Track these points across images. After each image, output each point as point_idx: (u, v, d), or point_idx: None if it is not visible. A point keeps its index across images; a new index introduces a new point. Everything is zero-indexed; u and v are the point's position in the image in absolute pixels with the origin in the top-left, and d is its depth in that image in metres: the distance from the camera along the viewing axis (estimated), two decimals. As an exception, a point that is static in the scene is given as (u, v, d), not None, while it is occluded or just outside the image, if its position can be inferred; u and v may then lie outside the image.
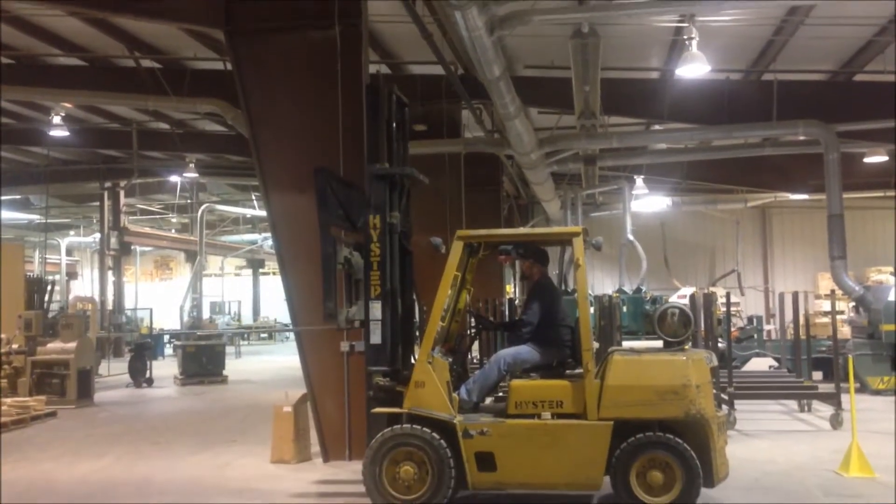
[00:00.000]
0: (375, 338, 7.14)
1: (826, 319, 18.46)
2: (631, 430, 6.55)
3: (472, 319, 7.95)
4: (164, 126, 21.84)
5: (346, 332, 8.13)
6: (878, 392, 13.82)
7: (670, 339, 6.90)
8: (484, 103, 16.36)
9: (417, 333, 7.51)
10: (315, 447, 9.48)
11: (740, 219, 28.14)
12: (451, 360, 7.19)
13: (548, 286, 7.42)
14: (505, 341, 9.54)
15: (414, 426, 6.78)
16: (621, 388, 6.58)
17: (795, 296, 12.22)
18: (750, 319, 17.89)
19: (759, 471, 8.20)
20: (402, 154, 7.73)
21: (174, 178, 27.99)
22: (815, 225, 28.61)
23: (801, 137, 15.67)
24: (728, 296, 12.24)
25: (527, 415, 6.75)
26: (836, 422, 10.62)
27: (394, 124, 7.53)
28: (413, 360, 7.21)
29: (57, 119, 19.23)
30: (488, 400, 7.53)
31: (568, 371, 7.07)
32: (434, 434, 6.72)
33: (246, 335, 33.52)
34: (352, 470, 8.63)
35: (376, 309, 7.14)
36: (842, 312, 19.69)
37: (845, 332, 17.85)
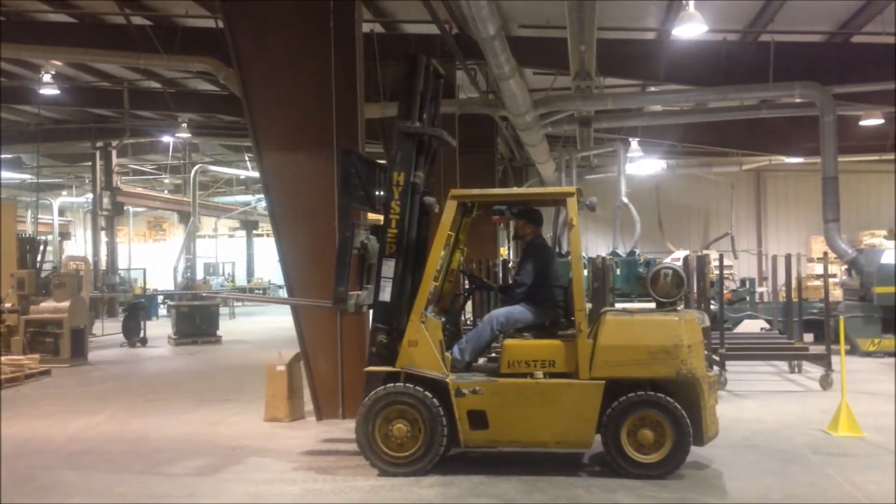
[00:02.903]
0: (384, 295, 7.12)
1: (818, 282, 18.51)
2: (622, 389, 6.59)
3: (466, 279, 7.93)
4: (156, 85, 21.62)
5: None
6: (868, 354, 13.93)
7: (663, 300, 6.91)
8: (478, 64, 16.23)
9: None
10: (308, 406, 9.53)
11: (735, 182, 28.13)
12: (443, 319, 7.21)
13: (542, 246, 7.41)
14: (498, 301, 9.59)
15: (407, 384, 6.81)
16: (613, 348, 6.61)
17: (788, 258, 12.25)
18: (742, 282, 17.96)
19: (749, 430, 8.28)
20: (432, 117, 7.62)
21: (166, 139, 27.82)
22: (809, 188, 28.67)
23: (798, 99, 15.58)
24: (721, 258, 12.26)
25: (519, 374, 6.78)
26: (825, 382, 10.72)
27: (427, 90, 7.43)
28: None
29: (47, 77, 19.04)
30: (480, 360, 7.57)
31: (560, 331, 7.09)
32: (427, 392, 6.75)
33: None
34: (345, 428, 8.68)
35: (389, 266, 7.12)
36: (834, 276, 19.80)
37: (837, 294, 17.97)
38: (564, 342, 6.79)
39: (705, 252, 22.57)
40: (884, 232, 26.08)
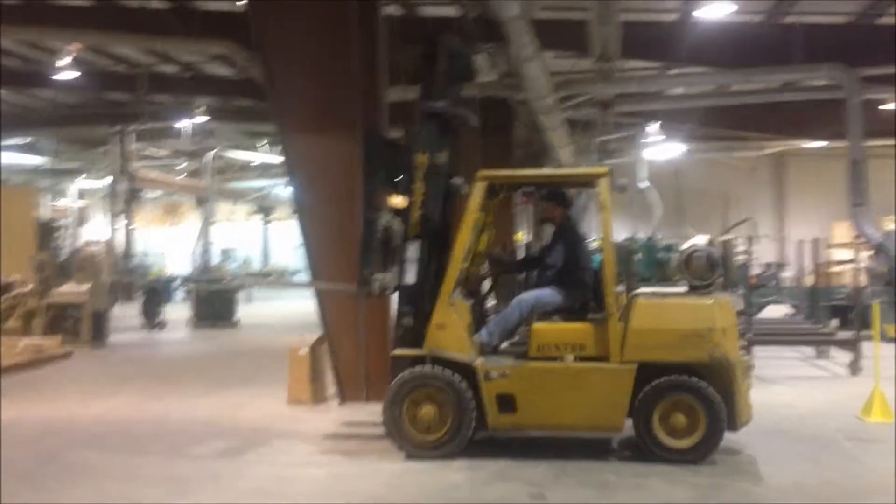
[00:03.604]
0: (410, 278, 7.05)
1: (841, 268, 18.30)
2: (654, 373, 6.48)
3: (493, 262, 7.80)
4: (173, 69, 21.53)
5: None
6: (893, 339, 13.72)
7: (697, 283, 6.77)
8: (498, 46, 16.03)
9: None
10: (331, 389, 9.47)
11: (755, 166, 27.84)
12: (472, 302, 7.11)
13: (571, 229, 7.29)
14: (523, 284, 9.48)
15: (435, 367, 6.72)
16: (645, 332, 6.51)
17: (816, 243, 12.07)
18: (767, 266, 17.76)
19: (778, 415, 8.15)
20: (455, 97, 7.49)
21: (183, 123, 27.74)
22: (830, 173, 28.28)
23: (824, 82, 15.32)
24: (750, 241, 12.10)
25: (548, 357, 6.68)
26: (854, 368, 10.57)
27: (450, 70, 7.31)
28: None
29: (64, 61, 18.97)
30: (505, 343, 7.46)
31: (590, 314, 6.97)
32: (455, 376, 6.66)
33: (256, 281, 33.51)
34: (369, 411, 8.62)
35: (413, 249, 7.03)
36: (852, 261, 19.57)
37: (861, 279, 17.76)
38: (595, 325, 6.69)
39: (726, 237, 22.41)
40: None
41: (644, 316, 6.56)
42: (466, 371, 6.70)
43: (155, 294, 18.82)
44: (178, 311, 20.78)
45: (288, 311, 23.15)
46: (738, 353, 6.57)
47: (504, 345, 7.34)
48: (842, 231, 25.53)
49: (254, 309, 24.11)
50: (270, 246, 42.18)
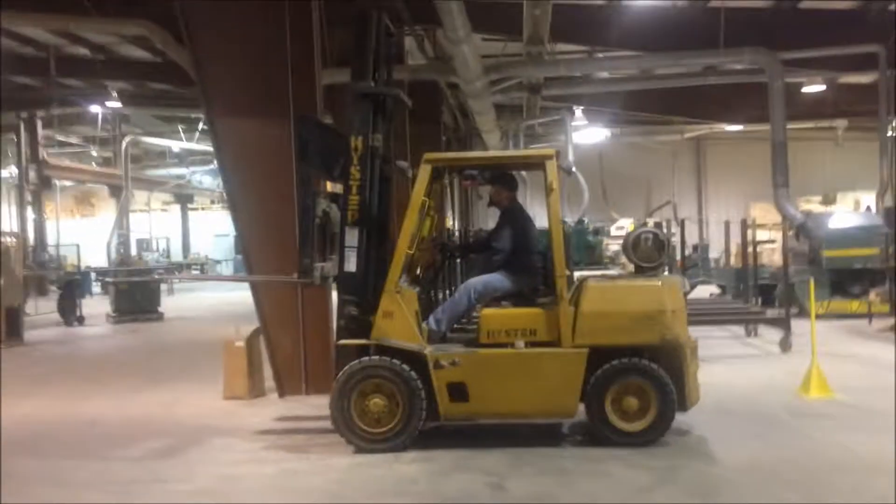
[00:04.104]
0: (350, 265, 6.79)
1: (763, 248, 18.77)
2: (605, 356, 6.44)
3: (438, 247, 7.64)
4: (84, 51, 20.60)
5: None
6: (817, 317, 14.12)
7: (644, 265, 6.75)
8: (426, 29, 15.85)
9: None
10: (269, 382, 9.18)
11: (676, 150, 28.41)
12: (418, 289, 6.94)
13: (518, 212, 7.18)
14: (467, 270, 9.36)
15: (383, 357, 6.54)
16: (596, 315, 6.44)
17: (744, 224, 12.31)
18: (695, 248, 18.10)
19: (720, 394, 8.20)
20: (386, 78, 7.30)
21: (95, 109, 26.65)
22: (747, 156, 29.13)
23: (747, 66, 15.63)
24: (683, 224, 12.26)
25: (499, 344, 6.57)
26: (785, 345, 10.80)
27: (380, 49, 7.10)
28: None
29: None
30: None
31: (539, 299, 6.89)
32: (404, 365, 6.49)
33: (176, 272, 32.62)
34: (310, 404, 8.41)
35: (352, 235, 6.80)
36: (773, 242, 20.13)
37: (776, 260, 18.27)
38: (545, 310, 6.60)
39: (648, 220, 22.78)
40: (818, 198, 26.69)
41: (594, 299, 6.50)
42: (415, 360, 6.53)
43: (71, 288, 18.03)
44: (96, 306, 20.01)
45: (213, 301, 22.59)
46: (687, 335, 6.58)
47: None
48: (759, 212, 26.34)
49: (177, 300, 23.42)
50: (190, 235, 41.12)
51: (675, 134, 26.83)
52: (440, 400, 6.50)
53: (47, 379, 10.63)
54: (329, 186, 8.30)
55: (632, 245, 6.79)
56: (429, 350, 6.54)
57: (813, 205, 25.64)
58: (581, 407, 6.51)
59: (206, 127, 30.66)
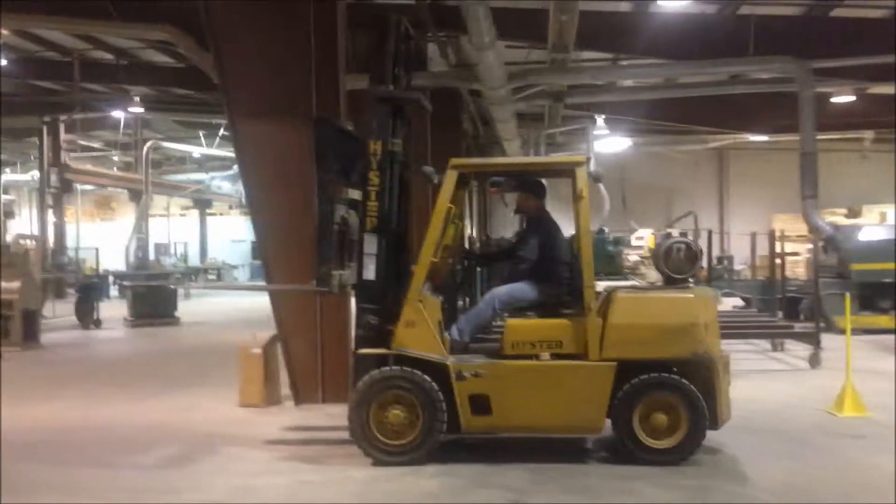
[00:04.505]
0: (368, 273, 6.62)
1: (789, 260, 18.45)
2: (634, 370, 6.22)
3: (462, 255, 7.44)
4: (107, 56, 20.62)
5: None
6: (843, 331, 13.79)
7: (676, 276, 6.53)
8: (449, 36, 15.69)
9: None
10: (285, 390, 9.01)
11: (699, 160, 28.08)
12: (441, 298, 6.75)
13: (546, 220, 6.98)
14: (487, 279, 9.16)
15: (404, 368, 6.35)
16: (625, 327, 6.23)
17: (772, 236, 12.03)
18: (720, 259, 17.79)
19: (748, 410, 7.93)
20: (406, 82, 7.14)
21: (117, 114, 26.69)
22: (770, 167, 28.74)
23: (776, 74, 15.35)
24: (710, 235, 12.00)
25: (523, 355, 6.37)
26: (814, 361, 10.52)
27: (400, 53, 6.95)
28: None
29: (-9, 46, 17.98)
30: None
31: (565, 310, 6.68)
32: (425, 376, 6.30)
33: (194, 277, 32.56)
34: (326, 413, 8.26)
35: (371, 243, 6.63)
36: (797, 254, 19.80)
37: (798, 272, 17.98)
38: (571, 321, 6.39)
39: (669, 230, 22.44)
40: (844, 211, 26.26)
41: (623, 311, 6.28)
42: (435, 371, 6.35)
43: (89, 291, 17.97)
44: (113, 309, 19.93)
45: (229, 307, 22.48)
46: (720, 349, 6.35)
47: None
48: (781, 224, 25.95)
49: (193, 305, 23.32)
50: (208, 240, 41.14)
51: (698, 144, 26.48)
52: (462, 412, 6.31)
53: (63, 382, 10.51)
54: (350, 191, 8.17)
55: (663, 255, 6.57)
56: (451, 361, 6.35)
57: (838, 217, 25.24)
58: (607, 422, 6.30)
59: (226, 132, 30.77)
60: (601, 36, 14.85)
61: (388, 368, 6.38)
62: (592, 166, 21.21)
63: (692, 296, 6.36)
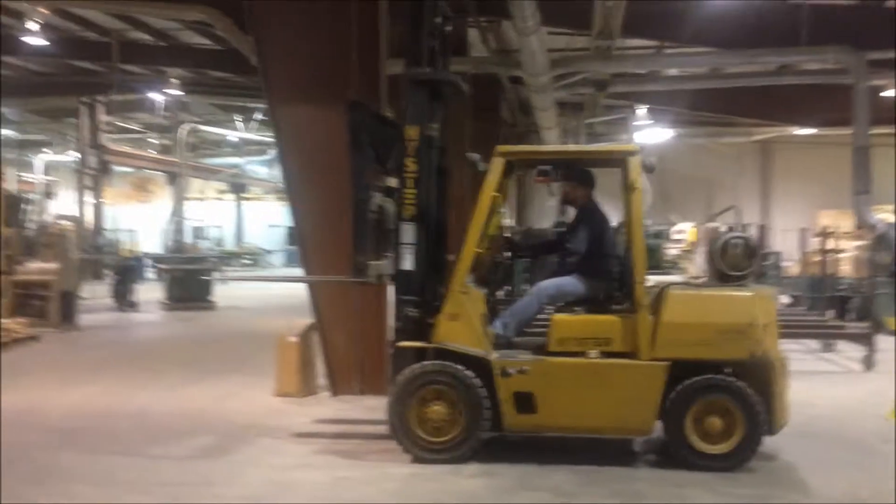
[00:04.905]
0: (406, 264, 6.39)
1: (837, 257, 17.95)
2: (687, 371, 5.93)
3: (507, 246, 7.16)
4: (146, 37, 20.60)
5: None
6: (894, 333, 13.36)
7: (733, 273, 6.23)
8: (490, 21, 15.39)
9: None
10: (321, 379, 8.84)
11: (742, 153, 27.49)
12: (486, 290, 6.51)
13: (595, 211, 6.69)
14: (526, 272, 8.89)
15: (446, 362, 6.12)
16: (679, 326, 5.94)
17: (824, 231, 11.61)
18: (766, 255, 17.30)
19: (804, 415, 7.57)
20: (443, 66, 6.89)
21: (155, 96, 26.74)
22: (817, 162, 28.08)
23: (829, 65, 14.85)
24: (762, 230, 11.61)
25: (571, 352, 6.10)
26: (868, 363, 10.13)
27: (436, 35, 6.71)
28: (442, 290, 6.55)
29: (32, 27, 17.99)
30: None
31: (614, 306, 6.41)
32: (468, 372, 6.07)
33: (229, 261, 32.66)
34: (363, 406, 8.08)
35: (409, 231, 6.39)
36: (842, 251, 19.24)
37: (845, 270, 17.40)
38: (622, 318, 6.11)
39: (710, 224, 21.96)
40: (892, 206, 25.54)
41: (677, 309, 5.99)
42: (478, 366, 6.11)
43: (126, 273, 18.01)
44: (150, 292, 19.97)
45: (264, 293, 22.41)
46: (778, 351, 6.04)
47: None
48: (827, 220, 25.32)
49: (229, 290, 23.24)
50: (244, 225, 41.30)
51: (742, 136, 25.92)
52: (505, 410, 6.07)
53: (99, 366, 10.45)
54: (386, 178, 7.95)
55: (719, 251, 6.27)
56: (495, 356, 6.11)
57: (886, 214, 24.56)
58: (657, 425, 6.03)
59: (263, 117, 30.75)
60: (647, 23, 14.49)
61: (429, 363, 6.16)
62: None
63: (750, 294, 6.05)
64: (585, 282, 6.41)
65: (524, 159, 6.72)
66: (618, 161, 6.42)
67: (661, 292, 6.17)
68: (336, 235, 8.18)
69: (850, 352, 11.28)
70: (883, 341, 10.99)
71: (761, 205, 29.17)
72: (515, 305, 6.59)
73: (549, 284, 6.49)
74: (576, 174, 6.71)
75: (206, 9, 14.71)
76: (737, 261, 6.24)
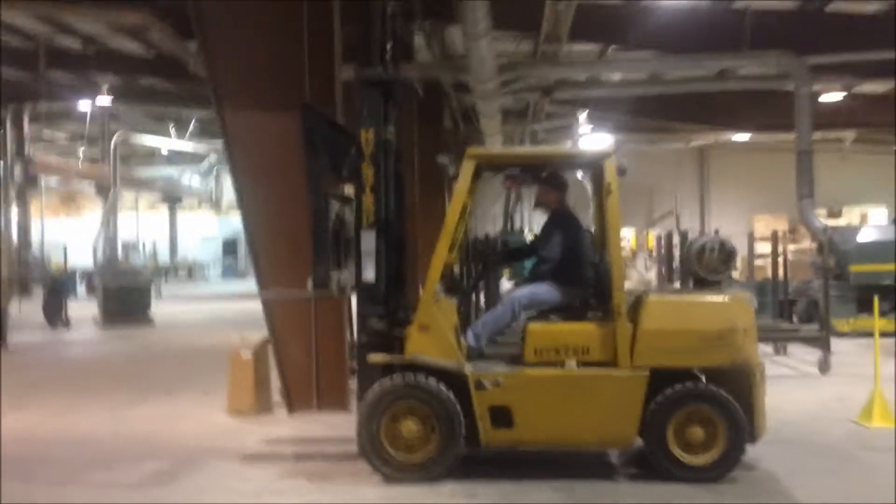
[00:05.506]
0: (368, 274, 6.09)
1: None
2: (667, 380, 5.76)
3: (473, 254, 6.93)
4: (74, 43, 19.77)
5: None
6: (842, 335, 13.51)
7: (710, 278, 6.09)
8: (436, 25, 15.16)
9: None
10: (277, 397, 8.45)
11: (680, 159, 27.85)
12: (456, 300, 6.24)
13: (568, 216, 6.49)
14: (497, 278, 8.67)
15: (417, 376, 5.82)
16: (659, 333, 5.76)
17: (775, 236, 11.68)
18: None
19: (774, 420, 7.26)
20: (394, 66, 6.65)
21: (84, 104, 25.75)
22: (750, 167, 28.63)
23: (770, 70, 15.05)
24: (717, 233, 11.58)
25: (547, 363, 5.87)
26: (824, 367, 10.15)
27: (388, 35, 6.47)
28: (405, 300, 6.27)
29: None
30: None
31: (590, 313, 6.20)
32: (441, 386, 5.78)
33: (165, 275, 31.68)
34: (322, 423, 7.74)
35: (369, 240, 6.09)
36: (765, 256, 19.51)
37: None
38: (600, 326, 5.91)
39: (650, 231, 22.12)
40: (823, 211, 26.19)
41: (656, 315, 5.81)
42: (451, 380, 5.83)
43: (58, 290, 17.19)
44: (82, 309, 19.15)
45: (203, 307, 21.73)
46: (758, 357, 5.90)
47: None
48: (761, 225, 25.80)
49: (166, 306, 22.52)
50: (178, 238, 40.20)
51: (680, 143, 26.25)
52: (482, 425, 5.80)
53: (34, 388, 9.83)
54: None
55: (696, 255, 6.13)
56: (469, 369, 5.84)
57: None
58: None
59: (197, 125, 29.96)
60: (593, 27, 14.46)
61: (399, 377, 5.85)
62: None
63: (729, 299, 5.91)
64: (560, 289, 6.20)
65: (495, 162, 6.46)
66: (593, 164, 6.23)
67: (638, 299, 5.99)
68: (292, 247, 7.82)
69: (801, 355, 11.35)
70: (833, 344, 11.05)
71: (699, 210, 29.59)
72: (487, 315, 6.35)
73: (523, 293, 6.25)
74: (548, 178, 6.50)
75: (141, 13, 14.15)
76: (714, 265, 6.11)
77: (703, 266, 6.15)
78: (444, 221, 6.03)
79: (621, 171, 6.19)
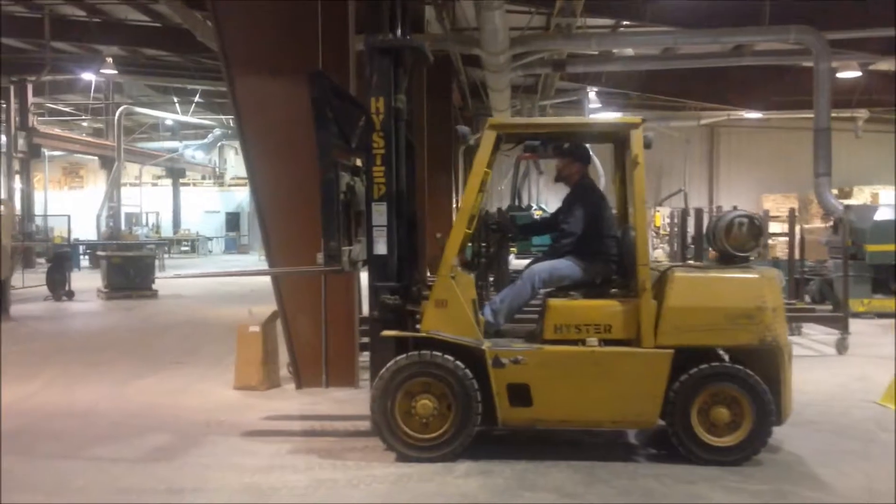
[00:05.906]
0: (380, 247, 5.90)
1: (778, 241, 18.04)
2: (692, 359, 5.57)
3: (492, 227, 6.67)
4: (79, 13, 19.49)
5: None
6: (857, 315, 13.32)
7: (739, 254, 5.87)
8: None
9: None
10: (283, 371, 8.29)
11: (690, 137, 27.53)
12: (474, 275, 6.04)
13: (590, 189, 6.29)
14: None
15: (434, 353, 5.64)
16: (684, 311, 5.56)
17: (792, 215, 11.44)
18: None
19: (795, 402, 7.32)
20: (406, 30, 6.42)
21: (88, 76, 25.46)
22: (761, 146, 28.32)
23: (790, 45, 14.73)
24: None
25: (568, 340, 5.68)
26: (841, 347, 9.97)
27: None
28: (418, 275, 6.10)
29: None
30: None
31: (613, 290, 6.00)
32: (458, 362, 5.60)
33: (167, 248, 31.46)
34: (331, 398, 7.61)
35: (380, 212, 5.89)
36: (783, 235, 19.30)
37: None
38: (622, 303, 5.71)
39: (658, 209, 21.87)
40: (835, 191, 25.91)
41: (682, 293, 5.60)
42: (468, 356, 5.65)
43: (61, 261, 17.02)
44: (86, 280, 19.01)
45: (206, 280, 21.53)
46: (786, 336, 5.70)
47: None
48: (771, 204, 25.56)
49: (169, 279, 22.35)
50: (181, 211, 40.01)
51: (691, 120, 25.91)
52: (499, 403, 5.63)
53: (36, 359, 9.68)
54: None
55: (724, 230, 5.90)
56: (487, 346, 5.65)
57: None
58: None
59: (202, 99, 29.66)
60: (608, 2, 14.14)
61: (415, 353, 5.67)
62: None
63: (758, 276, 5.70)
64: (581, 264, 6.00)
65: (517, 133, 6.23)
66: (619, 135, 6.01)
67: (663, 275, 5.78)
68: (302, 221, 7.64)
69: (815, 335, 11.18)
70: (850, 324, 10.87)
71: (708, 188, 29.33)
72: (506, 290, 6.13)
73: (543, 267, 6.04)
74: (570, 149, 6.28)
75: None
76: (742, 241, 5.87)
77: (731, 242, 5.89)
78: (465, 194, 5.81)
79: (647, 144, 5.94)
